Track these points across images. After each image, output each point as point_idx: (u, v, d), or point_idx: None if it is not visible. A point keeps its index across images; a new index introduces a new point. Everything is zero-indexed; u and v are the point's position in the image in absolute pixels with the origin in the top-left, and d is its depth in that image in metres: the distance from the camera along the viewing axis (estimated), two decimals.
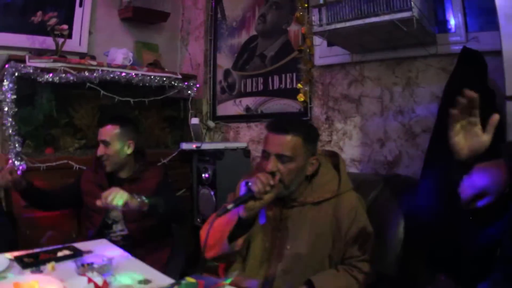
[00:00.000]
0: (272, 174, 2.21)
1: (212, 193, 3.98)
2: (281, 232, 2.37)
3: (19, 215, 3.41)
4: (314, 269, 2.29)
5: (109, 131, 3.09)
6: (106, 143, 3.07)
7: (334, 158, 2.54)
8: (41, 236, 3.40)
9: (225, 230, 2.23)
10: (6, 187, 3.05)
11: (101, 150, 3.08)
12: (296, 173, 2.28)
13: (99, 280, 1.80)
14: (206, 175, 4.06)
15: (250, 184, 2.14)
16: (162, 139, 4.51)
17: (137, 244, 2.99)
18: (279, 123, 2.35)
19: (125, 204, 2.59)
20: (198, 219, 4.24)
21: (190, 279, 1.77)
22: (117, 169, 3.15)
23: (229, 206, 2.07)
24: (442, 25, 3.02)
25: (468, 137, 1.65)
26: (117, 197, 2.58)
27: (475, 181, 1.64)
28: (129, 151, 3.14)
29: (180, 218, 3.23)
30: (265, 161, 2.28)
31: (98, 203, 2.60)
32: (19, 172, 3.26)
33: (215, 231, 2.22)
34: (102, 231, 3.04)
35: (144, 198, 2.72)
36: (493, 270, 1.73)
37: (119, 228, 3.10)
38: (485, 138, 1.62)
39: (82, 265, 2.03)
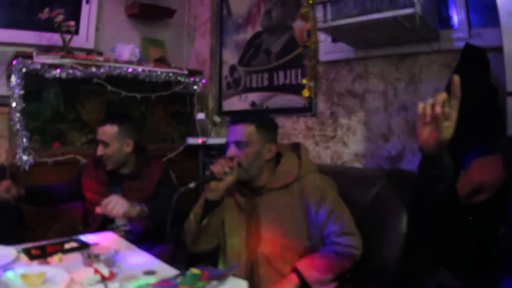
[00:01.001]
0: (231, 159, 2.43)
1: None
2: (254, 220, 2.50)
3: (26, 208, 3.43)
4: (296, 251, 2.40)
5: (107, 131, 3.07)
6: (105, 144, 3.05)
7: (297, 148, 2.70)
8: (48, 229, 3.44)
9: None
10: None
11: (100, 150, 3.06)
12: (254, 158, 2.47)
13: (105, 271, 1.83)
14: None
15: (211, 166, 2.36)
16: (169, 134, 4.54)
17: (140, 239, 3.00)
18: (234, 116, 2.63)
19: (125, 213, 2.66)
20: None
21: (194, 270, 1.80)
22: (118, 167, 3.16)
23: (192, 185, 2.31)
24: (445, 21, 3.02)
25: (437, 130, 1.66)
26: (117, 207, 2.63)
27: (472, 177, 1.66)
28: (128, 149, 3.12)
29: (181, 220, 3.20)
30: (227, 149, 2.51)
31: (98, 210, 2.64)
32: (26, 167, 3.32)
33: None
34: (105, 226, 3.05)
35: (144, 206, 2.78)
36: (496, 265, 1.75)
37: (121, 223, 3.12)
38: (450, 129, 1.64)
39: (89, 256, 2.06)
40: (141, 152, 3.29)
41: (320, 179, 2.54)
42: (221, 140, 4.28)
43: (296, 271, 2.29)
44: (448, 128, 1.65)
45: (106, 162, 3.08)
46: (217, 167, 2.33)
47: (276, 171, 2.55)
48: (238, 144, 2.48)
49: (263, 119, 2.63)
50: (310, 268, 2.28)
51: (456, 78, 1.56)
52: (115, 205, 2.63)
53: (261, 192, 2.53)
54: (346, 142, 3.64)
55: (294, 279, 2.27)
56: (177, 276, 1.78)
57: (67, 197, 3.29)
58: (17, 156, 3.42)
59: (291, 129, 4.06)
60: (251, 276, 2.43)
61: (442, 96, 1.62)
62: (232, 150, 2.48)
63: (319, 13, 2.93)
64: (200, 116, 4.43)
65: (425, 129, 1.70)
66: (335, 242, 2.36)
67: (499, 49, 2.36)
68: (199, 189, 4.37)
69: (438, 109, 1.58)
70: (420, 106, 1.67)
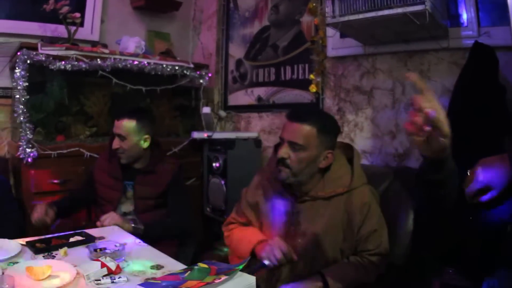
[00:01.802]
0: (282, 160, 2.27)
1: (222, 182, 4.01)
2: (293, 226, 2.38)
3: (28, 202, 3.44)
4: (325, 261, 2.31)
5: (125, 125, 3.03)
6: (122, 137, 3.02)
7: (349, 151, 2.51)
8: (51, 223, 3.43)
9: (241, 255, 2.36)
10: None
11: (116, 143, 3.03)
12: (307, 163, 2.29)
13: (112, 265, 1.81)
14: (217, 164, 4.08)
15: (264, 261, 2.19)
16: (173, 127, 4.53)
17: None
18: (297, 112, 2.36)
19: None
20: (208, 209, 4.27)
21: (202, 265, 1.78)
22: (132, 161, 3.13)
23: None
24: (455, 19, 3.00)
25: (430, 142, 1.58)
26: (109, 219, 2.70)
27: (479, 176, 1.65)
28: (145, 145, 3.09)
29: (182, 236, 3.16)
30: (280, 147, 2.33)
31: (98, 224, 2.69)
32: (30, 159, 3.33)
33: (233, 248, 2.53)
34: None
35: (140, 225, 2.79)
36: (497, 264, 1.74)
37: (130, 218, 3.10)
38: (446, 140, 1.57)
39: (95, 250, 2.05)
40: (156, 148, 3.27)
41: (369, 194, 2.38)
42: (226, 135, 4.28)
43: (321, 275, 2.22)
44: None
45: (120, 156, 3.06)
46: (271, 260, 2.17)
47: (325, 178, 2.39)
48: (293, 145, 2.28)
49: (327, 123, 2.38)
50: (336, 278, 2.21)
51: (413, 75, 1.48)
52: (111, 222, 2.68)
53: (304, 199, 2.38)
54: (353, 139, 3.63)
55: (317, 281, 2.22)
56: (185, 271, 1.76)
57: (85, 201, 3.29)
58: (20, 149, 3.40)
59: None
60: (271, 277, 2.38)
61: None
62: (284, 150, 2.29)
63: (328, 8, 2.91)
64: (206, 110, 4.41)
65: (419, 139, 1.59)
66: (368, 259, 2.30)
67: (508, 48, 2.35)
68: (203, 187, 4.39)
69: (427, 129, 1.47)
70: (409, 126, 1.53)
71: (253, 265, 2.19)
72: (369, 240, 2.30)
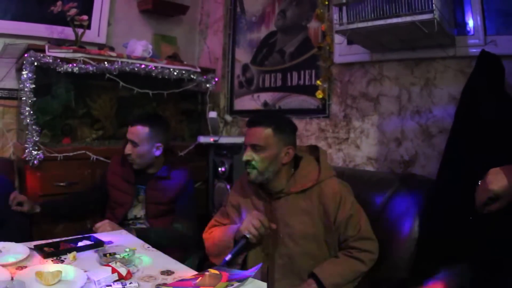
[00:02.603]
0: (248, 162, 2.48)
1: (228, 186, 4.01)
2: (272, 222, 2.48)
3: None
4: (314, 255, 2.45)
5: (139, 132, 3.09)
6: (134, 144, 3.07)
7: (315, 151, 2.73)
8: (56, 226, 3.44)
9: (226, 247, 2.48)
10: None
11: (128, 149, 3.09)
12: (270, 161, 2.51)
13: (123, 271, 1.82)
14: (223, 169, 4.09)
15: (246, 234, 2.36)
16: (179, 131, 4.52)
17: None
18: (254, 118, 2.64)
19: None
20: (213, 213, 4.26)
21: (213, 271, 1.80)
22: (145, 167, 3.17)
23: (228, 257, 2.33)
24: (461, 27, 3.00)
25: None
26: (104, 226, 2.82)
27: (488, 185, 1.67)
28: (157, 153, 3.14)
29: (181, 245, 3.17)
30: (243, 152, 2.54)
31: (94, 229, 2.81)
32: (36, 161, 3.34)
33: (216, 241, 2.59)
34: (123, 226, 3.06)
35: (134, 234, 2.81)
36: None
37: (139, 224, 3.15)
38: None
39: (105, 255, 2.06)
40: (170, 154, 3.32)
41: (339, 184, 2.56)
42: (232, 140, 4.27)
43: (313, 276, 2.33)
44: None
45: (132, 161, 3.10)
46: (251, 231, 2.35)
47: (295, 175, 2.58)
48: (254, 147, 2.51)
49: (281, 122, 2.62)
50: (327, 272, 2.31)
51: None
52: (103, 227, 2.80)
53: (279, 195, 2.55)
54: (358, 145, 3.63)
55: (312, 284, 2.29)
56: (196, 277, 1.77)
57: (93, 204, 3.30)
58: (26, 151, 3.40)
59: (304, 130, 4.04)
60: (266, 279, 2.40)
61: None
62: (248, 154, 2.51)
63: (336, 15, 2.93)
64: (212, 114, 4.42)
65: None
66: (352, 247, 2.41)
67: None
68: (208, 192, 4.40)
69: None
70: None
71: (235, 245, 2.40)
72: (348, 227, 2.44)
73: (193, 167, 3.53)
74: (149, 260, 2.14)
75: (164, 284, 1.75)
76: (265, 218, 2.41)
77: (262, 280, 2.39)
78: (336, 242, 2.48)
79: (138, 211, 3.16)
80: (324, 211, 2.46)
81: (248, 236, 2.34)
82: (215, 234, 2.66)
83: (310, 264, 2.40)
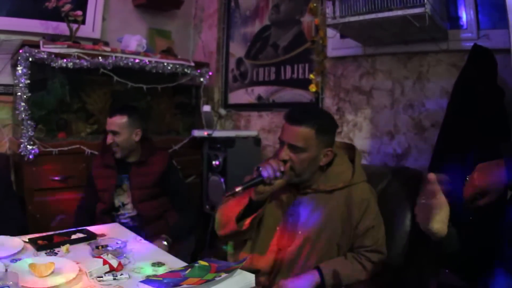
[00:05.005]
0: (284, 162, 2.28)
1: (222, 180, 4.03)
2: (292, 217, 2.42)
3: (29, 199, 3.47)
4: (321, 255, 2.34)
5: (118, 121, 3.18)
6: (115, 133, 3.16)
7: (351, 151, 2.57)
8: (51, 220, 3.47)
9: (236, 211, 2.33)
10: None
11: (110, 139, 3.18)
12: (308, 163, 2.33)
13: (114, 262, 1.84)
14: (217, 163, 4.11)
15: (261, 169, 2.21)
16: (174, 125, 4.54)
17: (147, 223, 3.17)
18: (294, 114, 2.37)
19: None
20: (207, 206, 4.29)
21: (203, 262, 1.82)
22: (126, 155, 3.25)
23: (238, 189, 2.17)
24: (454, 21, 3.01)
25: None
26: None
27: (476, 181, 1.68)
28: (137, 138, 3.24)
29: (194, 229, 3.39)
30: (280, 149, 2.35)
31: None
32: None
33: (227, 211, 2.40)
34: (110, 213, 3.21)
35: (170, 239, 3.00)
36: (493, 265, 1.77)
37: (128, 210, 3.25)
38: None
39: (97, 247, 2.08)
40: (147, 141, 3.39)
41: (369, 191, 2.44)
42: (226, 133, 4.31)
43: (318, 269, 2.27)
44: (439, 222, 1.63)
45: (115, 150, 3.20)
46: (267, 171, 2.19)
47: (327, 173, 2.44)
48: (293, 147, 2.30)
49: (324, 122, 2.40)
50: (333, 271, 2.26)
51: (431, 176, 1.53)
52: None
53: (306, 191, 2.42)
54: (352, 138, 3.64)
55: (315, 276, 2.26)
56: (186, 268, 1.79)
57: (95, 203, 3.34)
58: (22, 146, 3.41)
59: None
60: (271, 271, 2.41)
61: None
62: (285, 153, 2.31)
63: (329, 9, 2.93)
64: (206, 108, 4.44)
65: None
66: (364, 256, 2.33)
67: (507, 51, 2.36)
68: (203, 185, 4.42)
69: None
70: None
71: (250, 180, 2.25)
72: (366, 236, 2.34)
73: (187, 160, 3.55)
74: (140, 252, 2.15)
75: (154, 275, 1.77)
76: (285, 165, 2.27)
77: (268, 270, 2.40)
78: (347, 246, 2.37)
79: (125, 198, 3.26)
80: (348, 215, 2.35)
81: (265, 175, 2.19)
82: (228, 204, 2.49)
83: (314, 263, 2.32)
